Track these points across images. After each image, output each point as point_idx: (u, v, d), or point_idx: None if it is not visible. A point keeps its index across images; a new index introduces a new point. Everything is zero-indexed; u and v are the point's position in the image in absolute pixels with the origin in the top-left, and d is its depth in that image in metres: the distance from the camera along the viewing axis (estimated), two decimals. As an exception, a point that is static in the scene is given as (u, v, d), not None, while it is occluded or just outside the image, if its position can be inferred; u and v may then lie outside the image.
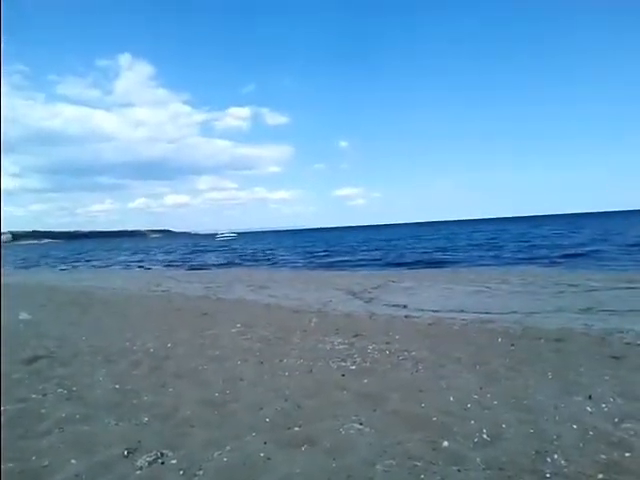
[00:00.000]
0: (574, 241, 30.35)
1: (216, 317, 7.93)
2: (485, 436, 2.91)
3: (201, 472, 2.56)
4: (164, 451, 2.79)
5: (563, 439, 2.83)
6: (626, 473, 2.44)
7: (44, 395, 3.83)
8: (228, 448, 2.83)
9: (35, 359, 4.97)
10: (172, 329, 6.76)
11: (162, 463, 2.67)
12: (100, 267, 31.69)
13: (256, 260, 31.97)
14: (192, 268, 26.22)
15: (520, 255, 22.85)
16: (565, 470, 2.48)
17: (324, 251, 37.83)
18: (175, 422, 3.27)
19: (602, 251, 21.99)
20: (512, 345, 5.35)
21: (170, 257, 40.54)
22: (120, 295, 12.29)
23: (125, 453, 2.77)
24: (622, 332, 5.90)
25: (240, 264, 28.63)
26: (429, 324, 6.89)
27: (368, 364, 4.63)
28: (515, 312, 7.85)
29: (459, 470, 2.52)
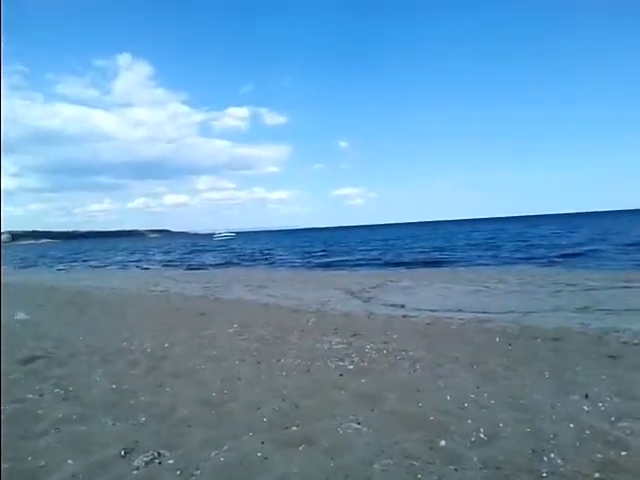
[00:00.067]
0: (572, 241, 30.41)
1: (214, 317, 7.92)
2: (482, 435, 2.91)
3: (198, 472, 2.56)
4: (161, 451, 2.79)
5: (560, 438, 2.83)
6: (622, 472, 2.44)
7: (41, 395, 3.82)
8: (225, 448, 2.82)
9: (32, 359, 4.95)
10: (170, 329, 6.75)
11: (159, 463, 2.67)
12: (98, 267, 31.63)
13: (254, 260, 31.95)
14: (190, 268, 26.18)
15: (518, 255, 22.88)
16: (562, 469, 2.49)
17: (322, 251, 37.83)
18: (172, 422, 3.27)
19: (600, 250, 22.04)
20: (509, 344, 5.36)
21: (168, 257, 40.47)
22: (118, 295, 12.27)
23: (122, 453, 2.77)
24: (619, 331, 5.91)
25: (238, 264, 28.60)
26: (427, 324, 6.89)
27: (366, 364, 4.63)
28: (513, 311, 7.86)
29: (456, 469, 2.52)
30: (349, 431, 3.03)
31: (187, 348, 5.51)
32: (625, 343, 5.32)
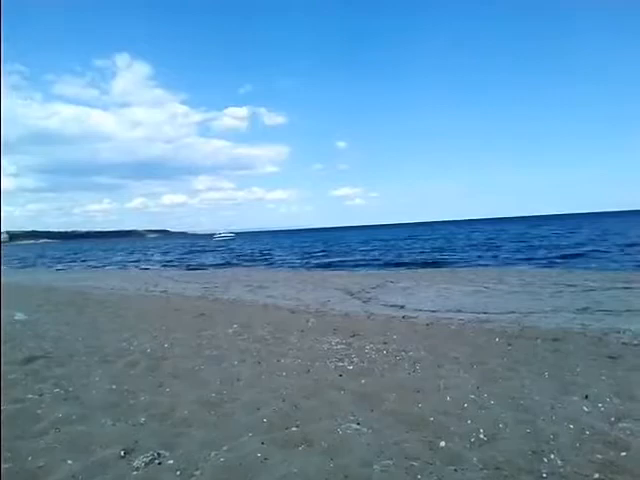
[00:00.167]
0: (572, 241, 30.44)
1: (213, 317, 7.92)
2: (482, 436, 2.91)
3: (198, 472, 2.56)
4: (161, 451, 2.79)
5: (560, 439, 2.83)
6: (622, 473, 2.44)
7: (40, 395, 3.81)
8: (225, 448, 2.82)
9: (31, 359, 4.94)
10: (169, 329, 6.74)
11: (159, 463, 2.66)
12: (97, 267, 31.61)
13: (254, 260, 31.95)
14: (190, 268, 26.18)
15: (518, 255, 22.91)
16: (561, 470, 2.49)
17: (322, 251, 37.84)
18: (172, 422, 3.26)
19: (600, 251, 22.07)
20: (509, 345, 5.36)
21: (168, 257, 40.46)
22: (117, 295, 12.27)
23: (122, 453, 2.76)
24: (619, 332, 5.92)
25: (238, 264, 28.60)
26: (427, 324, 6.90)
27: (366, 364, 4.63)
28: (513, 312, 7.86)
29: (456, 470, 2.52)
30: (349, 432, 3.02)
31: (187, 348, 5.50)
32: (625, 344, 5.32)
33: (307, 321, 7.31)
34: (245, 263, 29.43)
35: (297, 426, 3.13)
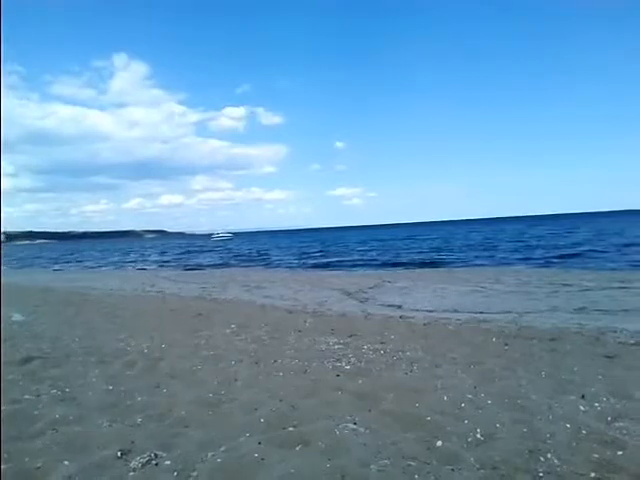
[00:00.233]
0: (569, 241, 30.56)
1: (211, 317, 7.91)
2: (479, 435, 2.91)
3: (195, 473, 2.55)
4: (158, 452, 2.78)
5: (556, 438, 2.84)
6: (619, 472, 2.45)
7: (37, 396, 3.80)
8: (222, 449, 2.81)
9: (28, 360, 4.92)
10: (166, 330, 6.73)
11: (156, 464, 2.65)
12: (94, 267, 31.54)
13: (251, 260, 31.95)
14: (187, 268, 26.15)
15: (515, 255, 22.98)
16: (558, 469, 2.49)
17: (320, 251, 37.86)
18: (169, 423, 3.25)
19: (597, 251, 22.16)
20: (506, 345, 5.38)
21: (165, 257, 40.40)
22: (114, 296, 12.24)
23: (119, 454, 2.75)
24: (615, 332, 5.94)
25: (235, 264, 28.58)
26: (424, 324, 6.91)
27: (363, 364, 4.63)
28: (509, 312, 7.89)
29: (453, 469, 2.52)
30: (346, 432, 3.02)
31: (184, 349, 5.49)
32: (622, 343, 5.34)
33: (304, 321, 7.31)
34: (243, 263, 29.42)
35: (294, 426, 3.13)
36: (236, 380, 4.20)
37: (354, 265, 23.09)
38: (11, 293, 12.04)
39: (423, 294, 10.94)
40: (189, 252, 48.72)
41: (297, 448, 2.81)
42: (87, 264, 35.70)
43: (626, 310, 7.61)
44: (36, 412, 3.44)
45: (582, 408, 3.32)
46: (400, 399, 3.59)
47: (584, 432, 2.91)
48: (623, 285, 10.56)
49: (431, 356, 4.88)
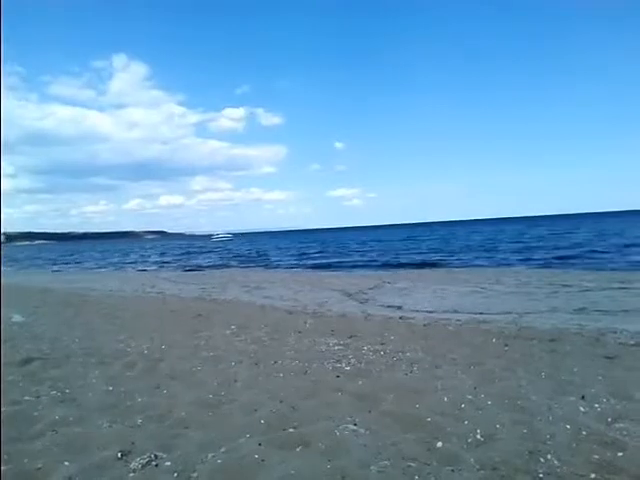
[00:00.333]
0: (570, 241, 30.57)
1: (211, 318, 7.91)
2: (479, 436, 2.91)
3: (195, 474, 2.55)
4: (158, 453, 2.78)
5: (556, 439, 2.84)
6: (619, 473, 2.45)
7: (37, 397, 3.80)
8: (222, 450, 2.81)
9: (28, 361, 4.92)
10: (166, 331, 6.73)
11: (156, 465, 2.65)
12: (94, 268, 31.53)
13: (251, 261, 31.96)
14: (187, 269, 26.15)
15: (516, 256, 22.98)
16: (558, 470, 2.49)
17: (319, 252, 37.88)
18: (169, 424, 3.25)
19: (597, 251, 22.17)
20: (506, 345, 5.37)
21: (165, 258, 40.39)
22: (114, 297, 12.24)
23: (119, 455, 2.75)
24: (616, 332, 5.94)
25: (235, 265, 28.59)
26: (424, 325, 6.91)
27: (363, 365, 4.63)
28: (509, 313, 7.89)
29: (453, 470, 2.52)
30: (346, 433, 3.02)
31: (184, 350, 5.49)
32: (622, 344, 5.34)
33: (304, 322, 7.31)
34: (242, 264, 29.43)
35: (295, 427, 3.13)
36: (236, 381, 4.20)
37: (354, 266, 23.11)
38: (11, 294, 12.04)
39: (423, 295, 10.94)
40: (189, 253, 48.73)
41: (297, 449, 2.81)
42: (87, 265, 35.71)
43: (626, 311, 7.61)
44: (36, 413, 3.44)
45: (582, 409, 3.32)
46: (400, 400, 3.59)
47: (584, 433, 2.91)
48: (623, 286, 10.56)
49: (431, 357, 4.88)
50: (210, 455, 2.75)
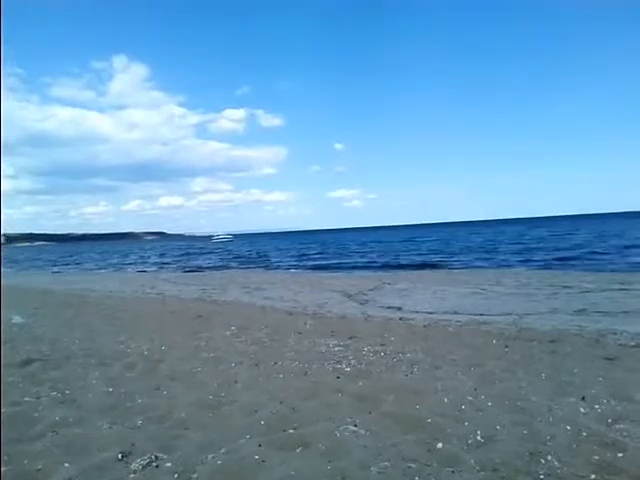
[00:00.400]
0: (570, 243, 30.57)
1: (211, 319, 7.91)
2: (479, 437, 2.91)
3: (195, 475, 2.55)
4: (158, 454, 2.78)
5: (557, 440, 2.84)
6: (619, 474, 2.45)
7: (37, 398, 3.80)
8: (223, 451, 2.81)
9: (28, 362, 4.92)
10: (166, 332, 6.73)
11: (156, 466, 2.65)
12: (93, 269, 31.53)
13: (251, 262, 31.97)
14: (187, 270, 26.15)
15: (516, 257, 22.99)
16: (558, 471, 2.49)
17: (319, 253, 37.89)
18: (169, 425, 3.25)
19: (597, 253, 22.18)
20: (506, 347, 5.37)
21: (165, 259, 40.39)
22: (114, 298, 12.23)
23: (119, 456, 2.75)
24: (616, 333, 5.94)
25: (235, 266, 28.58)
26: (424, 326, 6.91)
27: (363, 366, 4.63)
28: (510, 314, 7.89)
29: (453, 471, 2.52)
30: (346, 434, 3.02)
31: (184, 351, 5.49)
32: (622, 345, 5.34)
33: (305, 323, 7.30)
34: (242, 265, 29.43)
35: (295, 428, 3.13)
36: (236, 382, 4.20)
37: (354, 267, 23.11)
38: (11, 295, 12.04)
39: (423, 296, 10.94)
40: (189, 254, 48.74)
41: (297, 450, 2.81)
42: (86, 266, 35.71)
43: (626, 312, 7.61)
44: (36, 414, 3.44)
45: (582, 410, 3.32)
46: (400, 401, 3.59)
47: (584, 434, 2.91)
48: (623, 287, 10.57)
49: (431, 358, 4.88)
50: (210, 456, 2.75)
